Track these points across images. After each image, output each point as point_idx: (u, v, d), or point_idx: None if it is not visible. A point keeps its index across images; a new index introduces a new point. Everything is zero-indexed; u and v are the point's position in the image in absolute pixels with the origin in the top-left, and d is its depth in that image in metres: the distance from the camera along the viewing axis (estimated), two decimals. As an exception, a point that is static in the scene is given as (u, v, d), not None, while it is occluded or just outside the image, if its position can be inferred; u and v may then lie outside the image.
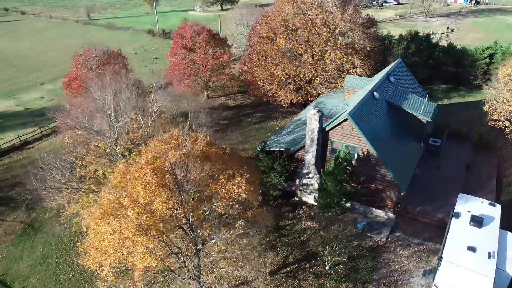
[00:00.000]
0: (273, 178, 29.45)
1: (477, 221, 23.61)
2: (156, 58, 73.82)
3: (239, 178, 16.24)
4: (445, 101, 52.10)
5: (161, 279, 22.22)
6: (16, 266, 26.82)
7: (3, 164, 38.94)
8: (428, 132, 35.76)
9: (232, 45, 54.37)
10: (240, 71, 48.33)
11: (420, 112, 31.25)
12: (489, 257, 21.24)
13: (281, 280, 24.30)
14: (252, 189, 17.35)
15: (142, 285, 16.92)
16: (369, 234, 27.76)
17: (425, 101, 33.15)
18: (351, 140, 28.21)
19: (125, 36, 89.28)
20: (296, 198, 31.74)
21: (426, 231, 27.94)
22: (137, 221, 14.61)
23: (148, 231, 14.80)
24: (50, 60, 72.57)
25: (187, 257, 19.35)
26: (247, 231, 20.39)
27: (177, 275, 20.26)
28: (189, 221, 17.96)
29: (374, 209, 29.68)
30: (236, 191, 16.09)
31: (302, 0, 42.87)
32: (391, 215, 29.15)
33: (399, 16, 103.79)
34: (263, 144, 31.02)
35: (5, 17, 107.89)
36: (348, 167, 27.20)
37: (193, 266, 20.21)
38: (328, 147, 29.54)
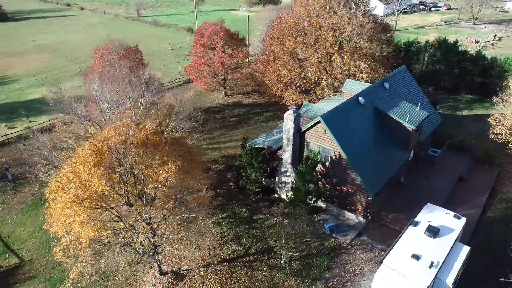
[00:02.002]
0: (250, 173, 30.97)
1: (432, 231, 23.55)
2: (189, 55, 77.44)
3: (170, 165, 18.17)
4: (465, 112, 50.14)
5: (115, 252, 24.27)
6: (19, 231, 30.82)
7: (30, 143, 43.86)
8: (422, 140, 35.26)
9: (249, 45, 56.17)
10: (252, 70, 50.06)
11: (406, 120, 31.07)
12: (431, 266, 21.27)
13: (237, 268, 25.84)
14: (191, 176, 19.23)
15: (89, 253, 19.32)
16: (334, 235, 28.39)
17: (417, 109, 32.79)
18: (324, 142, 28.95)
19: (166, 33, 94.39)
20: (275, 195, 33.00)
21: (393, 238, 27.70)
22: (74, 192, 17.10)
23: (84, 203, 17.23)
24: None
25: (140, 233, 21.57)
26: (191, 215, 22.13)
27: (133, 249, 22.54)
28: (141, 199, 20.23)
29: (346, 212, 30.16)
30: (164, 175, 18.03)
31: (313, 3, 43.61)
32: (361, 219, 29.47)
33: (445, 22, 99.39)
34: (244, 140, 32.58)
35: (66, 12, 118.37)
36: (315, 168, 28.01)
37: (148, 242, 22.47)
38: (305, 148, 30.47)
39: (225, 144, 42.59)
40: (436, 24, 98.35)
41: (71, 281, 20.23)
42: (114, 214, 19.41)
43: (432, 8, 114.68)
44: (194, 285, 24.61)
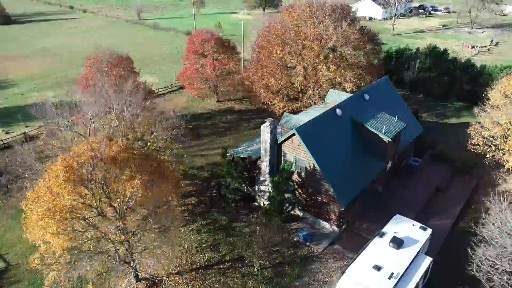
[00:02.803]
0: (228, 182, 32.05)
1: (396, 242, 24.41)
2: (185, 60, 78.72)
3: (136, 180, 19.28)
4: (453, 120, 50.80)
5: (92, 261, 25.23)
6: (8, 235, 32.12)
7: (14, 152, 44.80)
8: (401, 150, 36.05)
9: (240, 52, 57.15)
10: (241, 78, 51.12)
11: (382, 132, 31.90)
12: (390, 277, 22.14)
13: (211, 275, 26.92)
14: (159, 190, 20.43)
15: (63, 261, 20.48)
16: (308, 244, 29.35)
17: (395, 120, 33.59)
18: (300, 154, 29.91)
19: (166, 37, 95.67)
20: (256, 203, 34.02)
21: (365, 247, 28.85)
22: (45, 206, 18.30)
23: (55, 215, 18.40)
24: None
25: (116, 241, 22.70)
26: (162, 226, 23.23)
27: (110, 257, 23.66)
28: (116, 211, 21.38)
29: (321, 221, 31.11)
30: (130, 190, 19.16)
31: (300, 14, 44.55)
32: (335, 228, 30.40)
33: (443, 26, 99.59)
34: (224, 149, 33.63)
35: (69, 15, 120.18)
36: (290, 178, 28.99)
37: (125, 250, 23.62)
38: (282, 159, 31.44)
39: (213, 151, 43.57)
40: (434, 28, 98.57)
41: (47, 286, 21.40)
42: (88, 225, 20.56)
43: (431, 12, 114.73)
44: (169, 291, 25.74)
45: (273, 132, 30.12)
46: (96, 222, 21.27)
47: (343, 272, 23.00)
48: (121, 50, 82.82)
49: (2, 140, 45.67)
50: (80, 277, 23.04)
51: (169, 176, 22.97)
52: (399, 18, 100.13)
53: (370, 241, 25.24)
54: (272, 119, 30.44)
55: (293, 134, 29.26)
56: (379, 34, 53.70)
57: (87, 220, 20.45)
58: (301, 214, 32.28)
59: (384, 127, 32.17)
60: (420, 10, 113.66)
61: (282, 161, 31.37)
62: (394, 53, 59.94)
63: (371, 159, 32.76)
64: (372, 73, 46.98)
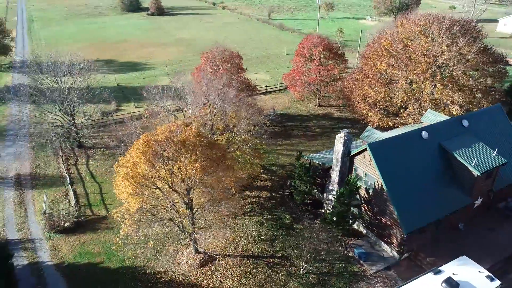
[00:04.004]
0: (297, 183, 33.14)
1: (451, 284, 22.58)
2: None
3: (197, 164, 22.00)
4: None
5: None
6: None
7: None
8: (497, 189, 32.04)
9: (347, 60, 56.54)
10: (342, 86, 50.87)
11: (472, 164, 29.03)
12: (429, 317, 20.77)
13: (260, 266, 28.65)
14: (216, 177, 23.08)
15: (133, 219, 24.64)
16: (362, 262, 28.75)
17: (493, 154, 30.14)
18: (370, 170, 29.29)
19: (288, 37, 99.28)
20: (322, 210, 34.41)
21: (422, 281, 26.99)
22: (125, 170, 22.44)
23: (131, 179, 22.43)
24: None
25: (182, 213, 26.24)
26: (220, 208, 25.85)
27: (175, 226, 27.30)
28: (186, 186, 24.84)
29: (382, 243, 29.99)
30: (191, 171, 21.98)
31: (412, 27, 42.38)
32: (395, 253, 29.01)
33: None
34: (299, 153, 34.66)
35: (210, 10, 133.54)
36: (353, 192, 28.71)
37: (188, 224, 27.10)
38: (353, 172, 31.14)
39: (303, 153, 44.86)
40: None
41: (120, 237, 25.96)
42: (160, 193, 24.34)
43: None
44: (219, 268, 28.42)
45: (347, 144, 30.10)
46: (166, 193, 24.90)
47: (380, 298, 22.36)
48: (245, 46, 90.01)
49: (131, 113, 54.58)
50: (147, 236, 27.10)
51: (229, 166, 25.34)
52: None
53: (422, 275, 23.76)
54: (348, 131, 30.44)
55: (366, 149, 28.83)
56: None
57: (158, 189, 24.17)
58: (364, 231, 31.59)
59: (476, 159, 29.15)
60: None
61: (353, 173, 31.12)
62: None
63: (455, 191, 30.06)
64: (492, 99, 42.09)
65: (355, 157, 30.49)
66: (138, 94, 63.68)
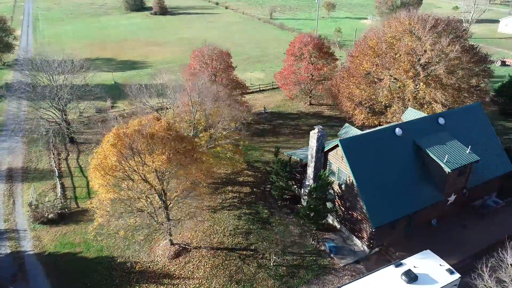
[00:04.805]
0: (273, 179, 33.82)
1: (409, 276, 23.04)
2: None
3: (163, 156, 22.84)
4: None
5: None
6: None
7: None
8: (472, 186, 32.30)
9: (338, 59, 56.94)
10: (329, 85, 51.35)
11: (444, 161, 29.40)
12: (384, 307, 21.29)
13: (232, 258, 29.37)
14: (185, 170, 23.85)
15: (105, 210, 25.55)
16: (332, 255, 29.31)
17: (466, 151, 30.46)
18: (342, 166, 29.83)
19: (288, 37, 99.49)
20: (299, 205, 35.01)
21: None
22: (97, 161, 23.42)
23: (101, 170, 23.37)
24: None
25: (156, 204, 27.12)
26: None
27: (150, 217, 28.15)
28: (158, 178, 25.70)
29: (354, 238, 30.50)
30: (157, 163, 22.87)
31: (397, 26, 42.71)
32: (366, 248, 29.50)
33: None
34: (276, 149, 35.32)
35: (213, 10, 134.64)
36: (325, 187, 29.27)
37: (164, 215, 27.96)
38: (327, 167, 31.69)
39: (283, 150, 45.52)
40: None
41: (94, 227, 26.87)
42: (130, 184, 25.24)
43: None
44: (192, 260, 29.22)
45: (320, 140, 30.68)
46: (138, 184, 25.76)
47: (338, 287, 22.92)
48: (245, 45, 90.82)
49: (124, 109, 55.70)
50: (123, 226, 27.97)
51: (198, 159, 26.13)
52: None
53: (384, 267, 24.27)
54: (321, 127, 31.02)
55: (337, 145, 29.38)
56: None
57: (131, 180, 25.05)
58: (338, 226, 32.13)
59: (448, 156, 29.51)
60: None
61: (327, 169, 31.67)
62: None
63: (427, 188, 30.44)
64: (477, 98, 42.25)
65: (329, 153, 31.04)
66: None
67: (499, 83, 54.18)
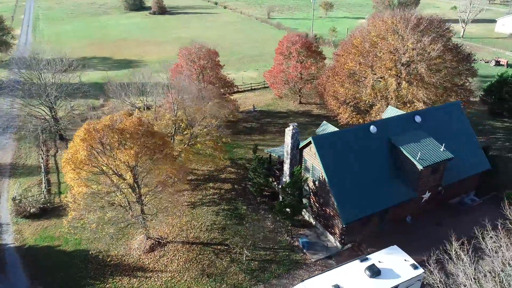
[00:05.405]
0: (251, 176, 34.27)
1: (372, 270, 23.37)
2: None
3: (131, 151, 23.37)
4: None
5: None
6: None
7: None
8: (448, 184, 32.50)
9: (327, 57, 57.23)
10: (316, 84, 51.67)
11: (416, 158, 29.66)
12: (344, 300, 21.64)
13: (206, 252, 29.86)
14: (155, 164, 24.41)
15: (82, 203, 26.12)
16: (304, 251, 29.68)
17: (441, 149, 30.69)
18: (316, 162, 30.18)
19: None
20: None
21: (359, 271, 27.77)
22: (66, 156, 24.02)
23: (71, 164, 23.95)
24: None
25: (130, 198, 27.66)
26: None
27: (124, 212, 28.69)
28: (133, 172, 26.27)
29: (328, 234, 30.84)
30: (125, 158, 23.36)
31: (381, 26, 42.94)
32: (338, 244, 29.83)
33: None
34: (254, 146, 35.75)
35: (211, 10, 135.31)
36: (298, 183, 29.64)
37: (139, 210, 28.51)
38: (303, 164, 32.06)
39: (268, 148, 45.96)
40: None
41: (68, 220, 27.42)
42: (103, 178, 25.80)
43: None
44: (167, 253, 29.75)
45: (295, 137, 31.06)
46: (110, 177, 26.29)
47: (302, 280, 23.31)
48: (241, 45, 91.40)
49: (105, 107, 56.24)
50: (98, 220, 28.51)
51: (168, 155, 26.61)
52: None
53: (350, 261, 24.61)
54: (296, 124, 31.39)
55: (311, 142, 29.73)
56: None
57: (103, 174, 25.61)
58: (314, 222, 32.48)
59: (420, 153, 29.77)
60: None
61: (300, 166, 32.02)
62: (510, 78, 51.86)
63: (400, 185, 30.69)
64: (461, 97, 42.38)
65: (304, 150, 31.41)
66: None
67: (488, 83, 54.16)
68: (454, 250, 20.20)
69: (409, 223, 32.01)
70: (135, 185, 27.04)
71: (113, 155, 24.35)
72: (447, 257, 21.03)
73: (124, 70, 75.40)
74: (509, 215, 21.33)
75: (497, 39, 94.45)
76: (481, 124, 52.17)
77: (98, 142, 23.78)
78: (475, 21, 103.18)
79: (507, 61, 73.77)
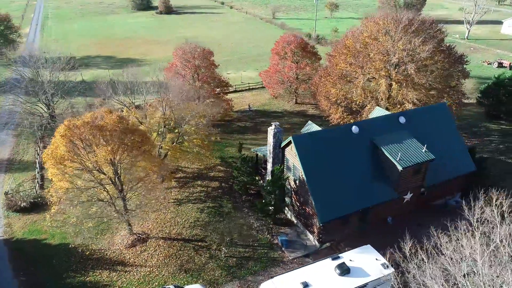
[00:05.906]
0: (235, 174, 34.71)
1: (342, 269, 23.61)
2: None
3: (108, 147, 24.01)
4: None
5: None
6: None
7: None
8: (431, 185, 32.47)
9: (321, 58, 57.30)
10: (310, 84, 51.83)
11: (397, 159, 29.74)
12: (311, 297, 21.93)
13: (187, 248, 30.39)
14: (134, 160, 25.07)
15: (63, 197, 26.88)
16: (283, 249, 29.99)
17: (422, 150, 30.70)
18: (296, 161, 30.45)
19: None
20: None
21: (335, 269, 27.97)
22: (47, 151, 24.81)
23: (51, 160, 24.70)
24: (218, 48, 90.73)
25: (112, 193, 28.35)
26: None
27: (108, 206, 29.35)
28: (114, 167, 26.95)
29: (308, 232, 31.09)
30: (102, 154, 24.04)
31: (372, 27, 42.95)
32: (317, 242, 30.06)
33: None
34: (240, 145, 36.15)
35: (218, 9, 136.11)
36: (278, 182, 29.95)
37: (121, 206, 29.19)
38: (285, 163, 32.37)
39: (258, 147, 46.33)
40: None
41: (50, 214, 28.27)
42: (84, 175, 26.52)
43: None
44: (148, 249, 30.37)
45: (277, 136, 31.39)
46: (91, 173, 26.97)
47: (272, 277, 23.65)
48: (244, 44, 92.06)
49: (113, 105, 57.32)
50: (82, 215, 29.26)
51: (146, 152, 27.18)
52: None
53: (322, 259, 24.87)
54: (278, 123, 31.71)
55: (291, 141, 30.02)
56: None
57: (84, 169, 26.31)
58: (295, 221, 32.76)
59: (401, 154, 29.83)
60: None
61: (281, 165, 32.33)
62: (507, 80, 51.30)
63: (381, 185, 30.77)
64: (454, 98, 42.22)
65: (285, 149, 31.71)
66: (127, 88, 67.05)
67: (485, 85, 53.64)
68: (409, 249, 20.37)
69: (390, 223, 32.06)
70: (117, 181, 27.69)
71: (93, 151, 25.03)
72: (401, 255, 21.29)
73: (126, 69, 76.54)
74: (467, 215, 21.49)
75: (502, 40, 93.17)
76: (476, 126, 51.74)
77: (78, 138, 24.47)
78: (481, 22, 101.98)
79: (510, 63, 72.78)
